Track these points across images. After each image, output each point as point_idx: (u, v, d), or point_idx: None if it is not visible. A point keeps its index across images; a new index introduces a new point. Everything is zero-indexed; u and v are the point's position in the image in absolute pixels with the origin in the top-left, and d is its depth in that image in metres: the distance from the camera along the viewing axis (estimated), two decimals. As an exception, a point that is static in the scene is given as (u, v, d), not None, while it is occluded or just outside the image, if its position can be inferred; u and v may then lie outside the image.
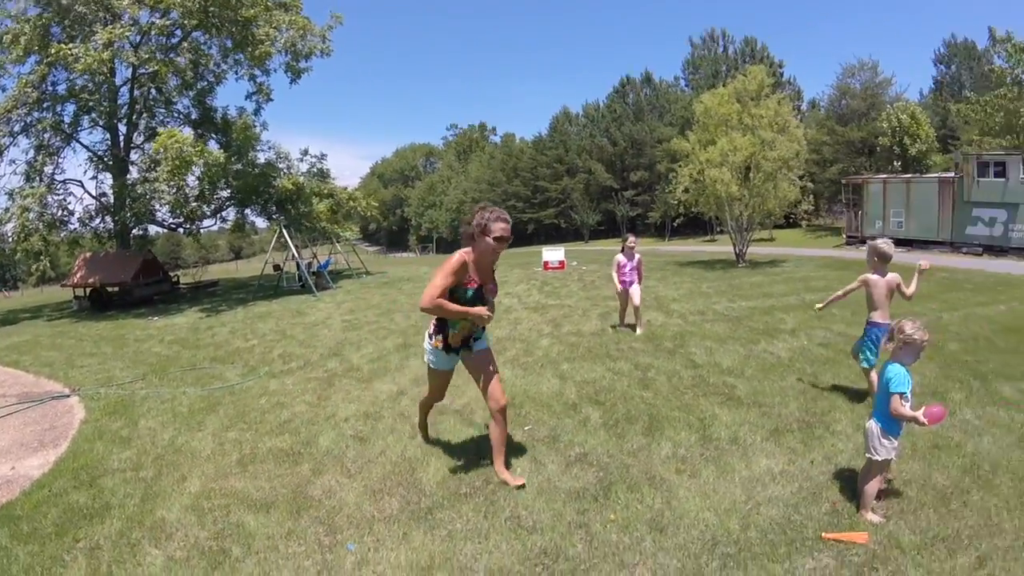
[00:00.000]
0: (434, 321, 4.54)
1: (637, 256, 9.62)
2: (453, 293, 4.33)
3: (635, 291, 9.48)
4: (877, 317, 5.79)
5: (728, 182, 19.45)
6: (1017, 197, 23.65)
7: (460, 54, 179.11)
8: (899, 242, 26.30)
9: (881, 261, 5.77)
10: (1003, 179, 23.98)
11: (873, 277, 5.79)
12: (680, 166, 21.56)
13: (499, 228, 4.27)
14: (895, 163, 40.10)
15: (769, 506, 4.06)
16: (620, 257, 9.57)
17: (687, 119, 24.72)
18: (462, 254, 4.31)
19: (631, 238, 9.75)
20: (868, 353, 5.87)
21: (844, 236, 31.80)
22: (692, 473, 4.56)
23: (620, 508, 4.05)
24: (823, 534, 3.73)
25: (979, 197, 24.72)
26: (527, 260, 26.84)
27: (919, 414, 3.79)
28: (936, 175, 29.03)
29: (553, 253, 22.42)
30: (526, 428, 5.53)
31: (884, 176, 30.70)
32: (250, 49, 21.07)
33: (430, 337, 4.60)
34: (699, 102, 22.32)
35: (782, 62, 56.41)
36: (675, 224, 41.35)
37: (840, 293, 6.22)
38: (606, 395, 6.38)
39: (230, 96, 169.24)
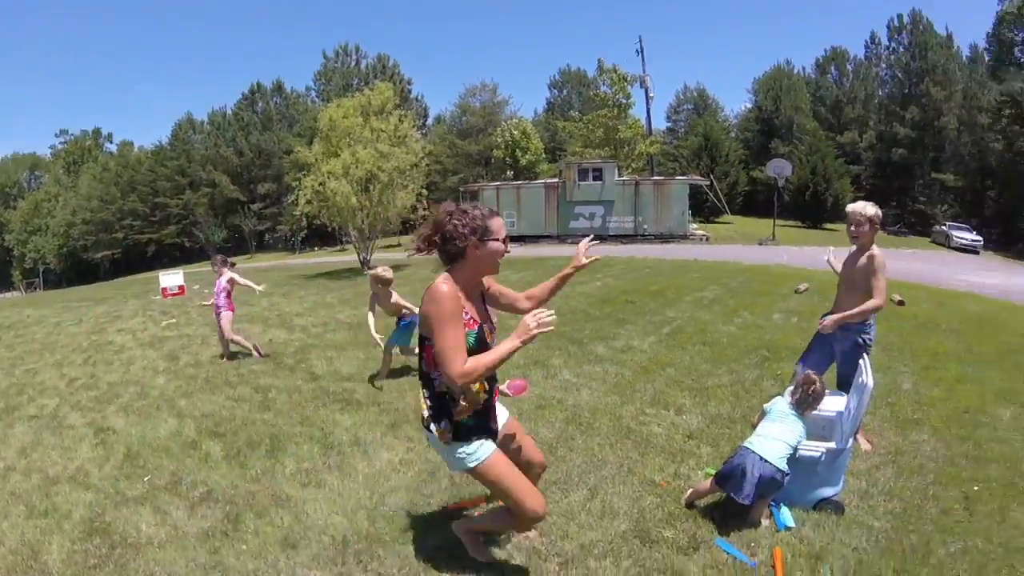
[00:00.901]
0: (425, 400, 3.02)
1: (228, 275, 8.61)
2: None
3: (224, 319, 8.51)
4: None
5: (349, 194, 19.76)
6: (612, 195, 30.62)
7: (71, 47, 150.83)
8: (513, 239, 30.16)
9: (384, 286, 6.95)
10: (600, 182, 30.54)
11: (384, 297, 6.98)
12: (303, 176, 21.29)
13: (501, 225, 2.99)
14: (508, 172, 45.72)
15: (394, 496, 4.19)
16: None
17: (316, 130, 24.84)
18: (449, 284, 2.86)
19: (218, 257, 8.86)
20: (392, 338, 7.08)
21: (463, 237, 35.15)
22: (318, 484, 4.50)
23: (251, 536, 3.88)
24: (449, 505, 3.97)
25: (580, 197, 30.76)
26: (145, 287, 24.06)
27: (503, 387, 4.29)
28: (543, 181, 34.76)
29: (171, 278, 20.20)
30: (146, 479, 4.91)
31: (497, 183, 35.17)
32: None
33: (432, 428, 2.99)
34: (325, 113, 22.35)
35: (411, 80, 59.73)
36: (303, 236, 41.19)
37: (372, 321, 7.02)
38: (227, 425, 5.96)
39: None
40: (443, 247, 2.90)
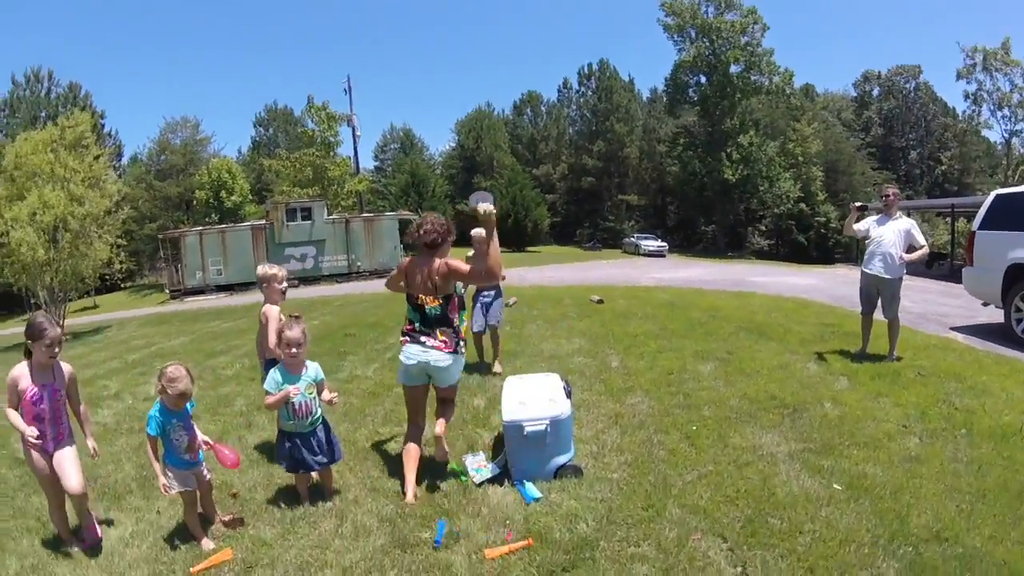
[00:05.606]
0: (452, 334, 4.58)
1: None
2: None
3: None
4: None
5: (35, 245, 16.79)
6: (323, 235, 30.54)
7: None
8: (221, 287, 29.16)
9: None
10: (310, 221, 30.28)
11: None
12: None
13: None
14: (213, 215, 42.97)
15: (134, 571, 3.78)
16: None
17: (-4, 169, 20.37)
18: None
19: None
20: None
21: (168, 291, 32.16)
22: (51, 577, 3.90)
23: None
24: (191, 569, 3.65)
25: (289, 238, 30.07)
26: None
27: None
28: (249, 223, 33.27)
29: None
30: None
31: (200, 228, 32.52)
32: None
33: (460, 350, 4.60)
34: (11, 149, 18.81)
35: (104, 112, 53.26)
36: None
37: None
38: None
39: None
40: (436, 241, 4.71)
